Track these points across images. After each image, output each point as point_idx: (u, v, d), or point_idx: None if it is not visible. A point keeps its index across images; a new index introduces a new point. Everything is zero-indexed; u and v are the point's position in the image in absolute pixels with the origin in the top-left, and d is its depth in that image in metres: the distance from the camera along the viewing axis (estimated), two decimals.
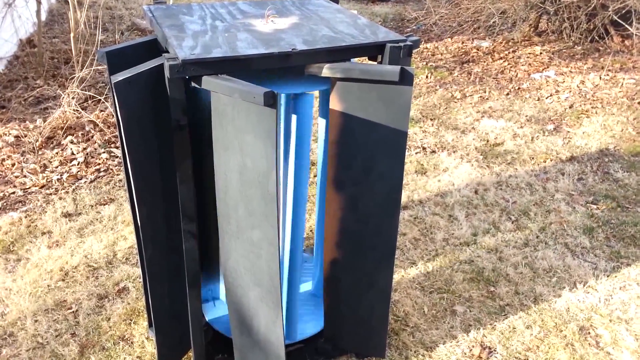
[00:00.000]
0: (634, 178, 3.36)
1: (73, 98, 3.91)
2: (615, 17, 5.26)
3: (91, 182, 3.31)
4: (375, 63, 1.63)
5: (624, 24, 5.22)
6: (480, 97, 4.60)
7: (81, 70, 4.16)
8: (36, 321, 2.28)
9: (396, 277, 2.53)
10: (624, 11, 5.25)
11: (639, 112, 4.21)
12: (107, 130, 3.80)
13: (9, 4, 4.98)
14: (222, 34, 1.61)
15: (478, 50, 5.72)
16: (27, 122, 3.94)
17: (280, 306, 1.64)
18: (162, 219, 1.70)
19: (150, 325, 2.18)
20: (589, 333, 2.23)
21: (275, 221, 1.51)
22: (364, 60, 1.79)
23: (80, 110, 3.87)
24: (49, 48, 5.33)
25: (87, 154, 3.57)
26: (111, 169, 3.44)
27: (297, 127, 1.71)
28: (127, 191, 2.40)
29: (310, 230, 2.81)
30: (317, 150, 1.96)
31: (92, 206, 3.07)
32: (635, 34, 5.17)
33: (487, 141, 3.84)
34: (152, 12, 1.85)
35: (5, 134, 3.75)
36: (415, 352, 2.13)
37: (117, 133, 3.75)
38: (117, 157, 3.56)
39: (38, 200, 3.11)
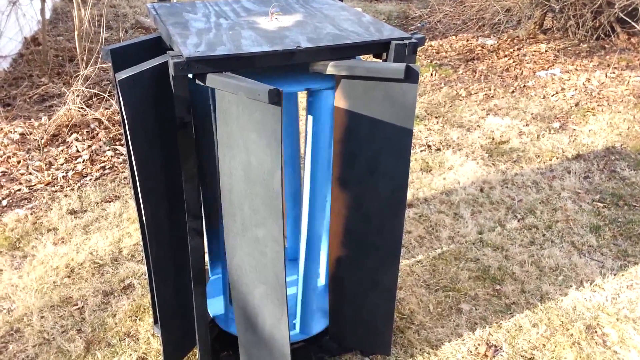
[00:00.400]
0: None
1: (78, 96, 3.92)
2: (621, 15, 5.22)
3: (96, 179, 3.31)
4: (380, 61, 1.62)
5: (630, 21, 5.19)
6: (486, 94, 4.58)
7: (86, 68, 4.17)
8: (42, 317, 2.29)
9: (401, 275, 2.52)
10: (630, 8, 5.21)
11: None
12: (112, 127, 3.81)
13: (13, 2, 5.00)
14: (227, 32, 1.61)
15: (483, 48, 5.69)
16: (32, 119, 3.96)
17: (285, 304, 1.64)
18: (167, 216, 1.70)
19: (155, 321, 2.18)
20: (596, 332, 2.22)
21: (280, 219, 1.51)
22: (369, 58, 1.78)
23: (85, 107, 3.88)
24: (54, 46, 5.34)
25: (92, 151, 3.57)
26: (116, 167, 3.45)
27: (313, 124, 1.71)
28: (132, 188, 2.41)
29: None
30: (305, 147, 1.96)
31: (97, 203, 3.08)
32: None
33: (493, 139, 3.83)
34: (156, 10, 1.85)
35: (11, 132, 3.76)
36: (420, 350, 2.12)
37: (122, 131, 3.75)
38: (122, 154, 3.57)
39: (43, 198, 3.12)
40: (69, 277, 2.52)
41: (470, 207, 3.05)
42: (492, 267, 2.58)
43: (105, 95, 4.16)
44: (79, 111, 3.85)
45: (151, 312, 2.28)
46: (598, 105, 4.32)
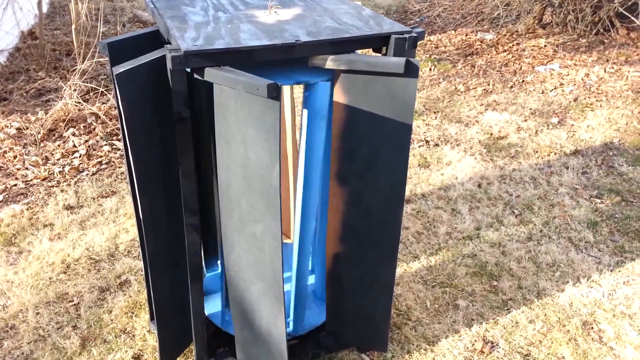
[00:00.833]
0: (638, 172, 3.33)
1: (75, 90, 3.90)
2: (620, 9, 5.21)
3: (93, 174, 3.30)
4: (380, 55, 1.60)
5: (629, 15, 5.17)
6: (484, 90, 4.57)
7: (83, 62, 4.14)
8: (38, 314, 2.28)
9: (399, 271, 2.52)
10: (629, 3, 5.20)
11: None
12: (109, 122, 3.79)
13: None
14: (225, 25, 1.59)
15: (482, 42, 5.67)
16: (29, 114, 3.93)
17: (283, 300, 1.63)
18: (164, 211, 1.69)
19: (152, 318, 2.18)
20: (592, 328, 2.22)
21: (279, 215, 1.50)
22: (368, 52, 1.76)
23: (82, 102, 3.85)
24: (51, 40, 5.31)
25: (89, 146, 3.55)
26: (113, 162, 3.43)
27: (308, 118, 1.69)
28: (129, 184, 2.39)
29: None
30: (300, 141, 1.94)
31: (94, 199, 3.06)
32: None
33: (491, 134, 3.82)
34: (154, 3, 1.83)
35: (7, 126, 3.74)
36: (417, 346, 2.12)
37: (119, 125, 3.73)
38: (119, 149, 3.55)
39: (40, 193, 3.11)
40: (64, 273, 2.51)
41: (468, 202, 3.04)
42: (489, 263, 2.57)
43: (103, 90, 4.13)
44: (76, 106, 3.82)
45: (147, 309, 2.27)
46: (597, 101, 4.31)
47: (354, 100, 1.59)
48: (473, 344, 2.14)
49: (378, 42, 1.58)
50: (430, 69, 5.05)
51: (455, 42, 5.74)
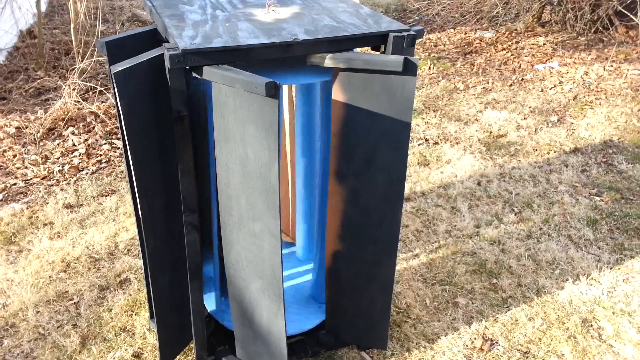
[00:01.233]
0: (638, 170, 3.34)
1: (74, 89, 3.89)
2: (619, 8, 5.21)
3: (92, 173, 3.30)
4: (378, 53, 1.61)
5: (628, 14, 5.17)
6: (484, 88, 4.57)
7: (82, 61, 4.14)
8: (38, 312, 2.28)
9: (398, 268, 2.52)
10: (628, 1, 5.20)
11: None
12: (108, 121, 3.79)
13: None
14: (223, 24, 1.59)
15: (481, 41, 5.67)
16: (28, 113, 3.93)
17: (282, 298, 1.63)
18: (164, 210, 1.69)
19: (151, 316, 2.18)
20: (592, 325, 2.22)
21: (278, 213, 1.50)
22: (367, 50, 1.76)
23: (81, 101, 3.85)
24: (49, 39, 5.30)
25: (88, 145, 3.55)
26: (112, 160, 3.43)
27: (300, 118, 1.69)
28: (128, 182, 2.39)
29: None
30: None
31: (93, 197, 3.06)
32: None
33: (490, 133, 3.82)
34: (152, 2, 1.83)
35: (7, 125, 3.74)
36: (416, 344, 2.13)
37: (118, 124, 3.73)
38: (119, 148, 3.55)
39: (39, 192, 3.11)
40: (64, 271, 2.51)
41: (468, 200, 3.04)
42: (488, 261, 2.58)
43: (102, 89, 4.13)
44: (75, 105, 3.82)
45: (147, 307, 2.27)
46: (596, 99, 4.31)
47: (352, 99, 1.59)
48: (472, 342, 2.14)
49: (376, 40, 1.58)
50: (429, 68, 5.05)
51: (454, 40, 5.74)
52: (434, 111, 4.17)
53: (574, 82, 4.63)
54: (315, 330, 2.07)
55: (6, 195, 3.08)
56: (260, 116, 1.40)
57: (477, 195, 3.09)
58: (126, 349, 2.09)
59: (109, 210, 2.94)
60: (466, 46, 5.56)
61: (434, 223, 2.86)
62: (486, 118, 4.04)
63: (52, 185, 3.18)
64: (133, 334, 2.17)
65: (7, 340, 2.15)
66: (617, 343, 2.14)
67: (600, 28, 5.52)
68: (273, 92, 1.32)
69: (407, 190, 3.13)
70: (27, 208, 2.96)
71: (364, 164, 1.68)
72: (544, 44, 5.49)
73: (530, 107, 4.20)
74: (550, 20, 6.04)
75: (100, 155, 3.47)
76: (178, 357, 2.04)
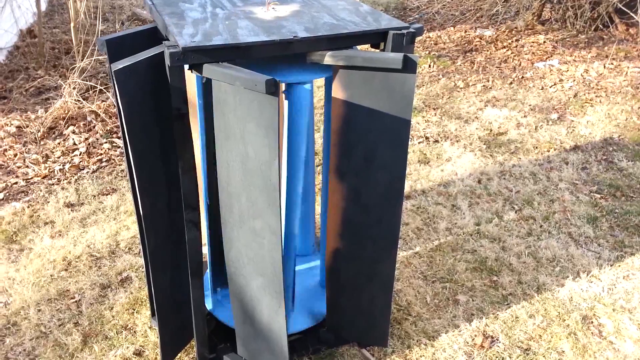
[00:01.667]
0: (638, 167, 3.34)
1: (74, 88, 3.90)
2: (619, 5, 5.20)
3: (93, 172, 3.30)
4: (378, 51, 1.61)
5: (628, 11, 5.17)
6: (484, 86, 4.57)
7: (82, 60, 4.15)
8: (39, 311, 2.28)
9: (399, 266, 2.52)
10: None
11: None
12: (108, 120, 3.79)
13: None
14: (223, 22, 1.60)
15: (481, 39, 5.67)
16: (29, 112, 3.93)
17: (283, 295, 1.64)
18: (165, 208, 1.69)
19: (153, 314, 2.18)
20: (592, 322, 2.23)
21: (278, 210, 1.50)
22: (367, 48, 1.77)
23: (81, 100, 3.86)
24: (50, 38, 5.31)
25: (89, 144, 3.56)
26: (113, 159, 3.43)
27: (290, 117, 1.70)
28: (129, 181, 2.40)
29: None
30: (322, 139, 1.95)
31: (94, 196, 3.07)
32: None
33: (491, 130, 3.82)
34: (152, 0, 1.83)
35: (7, 125, 3.74)
36: (417, 341, 2.13)
37: (118, 123, 3.74)
38: (119, 147, 3.56)
39: (40, 191, 3.11)
40: (66, 270, 2.52)
41: (468, 198, 3.05)
42: (489, 259, 2.58)
43: (102, 88, 4.14)
44: (76, 104, 3.83)
45: (148, 305, 2.28)
46: (596, 97, 4.31)
47: (352, 96, 1.59)
48: (473, 339, 2.15)
49: (376, 38, 1.58)
50: (429, 66, 5.05)
51: (454, 38, 5.74)
52: (434, 109, 4.17)
53: (574, 80, 4.63)
54: (316, 328, 2.07)
55: (7, 194, 3.09)
56: (260, 114, 1.40)
57: (478, 193, 3.09)
58: (128, 347, 2.10)
59: (110, 209, 2.95)
60: (466, 44, 5.56)
61: (434, 221, 2.86)
62: (486, 116, 4.04)
63: (53, 184, 3.18)
64: (134, 332, 2.18)
65: (9, 339, 2.16)
66: (618, 340, 2.14)
67: (601, 26, 5.51)
68: (273, 89, 1.33)
69: (407, 188, 3.14)
70: (28, 207, 2.97)
71: (363, 161, 1.68)
72: (544, 41, 5.49)
73: (530, 105, 4.20)
74: (550, 18, 6.04)
75: (101, 154, 3.48)
76: (179, 354, 2.05)
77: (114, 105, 3.95)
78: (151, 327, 2.19)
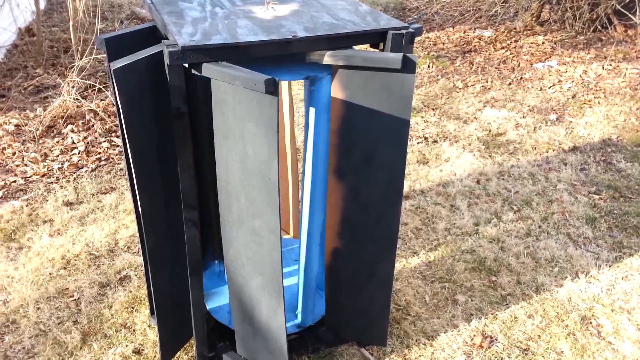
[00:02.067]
0: (636, 168, 3.34)
1: (73, 87, 3.90)
2: (618, 7, 5.21)
3: (92, 170, 3.30)
4: (377, 51, 1.61)
5: (627, 13, 5.18)
6: (483, 86, 4.58)
7: (81, 59, 4.14)
8: (38, 309, 2.28)
9: (398, 266, 2.52)
10: (627, 0, 5.20)
11: None
12: (107, 119, 3.79)
13: None
14: (222, 21, 1.60)
15: (480, 39, 5.68)
16: (28, 111, 3.93)
17: (282, 295, 1.64)
18: (163, 207, 1.69)
19: (152, 313, 2.18)
20: (591, 323, 2.23)
21: (277, 210, 1.50)
22: (366, 47, 1.77)
23: (80, 99, 3.85)
24: (48, 37, 5.30)
25: (87, 142, 3.56)
26: (112, 158, 3.43)
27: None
28: (128, 180, 2.39)
29: None
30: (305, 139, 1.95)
31: (93, 195, 3.06)
32: (639, 24, 5.13)
33: (489, 131, 3.82)
34: None
35: (6, 123, 3.74)
36: (416, 340, 2.13)
37: (117, 122, 3.73)
38: (118, 146, 3.55)
39: (39, 189, 3.11)
40: (64, 268, 2.52)
41: (467, 199, 3.05)
42: (488, 259, 2.58)
43: (101, 87, 4.13)
44: (75, 102, 3.82)
45: (147, 304, 2.28)
46: (595, 98, 4.32)
47: (351, 96, 1.60)
48: (472, 339, 2.15)
49: (375, 37, 1.58)
50: (428, 66, 5.06)
51: (453, 39, 5.74)
52: (433, 110, 4.17)
53: (572, 81, 4.64)
54: (315, 327, 2.07)
55: (6, 192, 3.09)
56: (259, 113, 1.40)
57: (476, 194, 3.10)
58: (127, 345, 2.10)
59: (109, 208, 2.95)
60: (465, 45, 5.56)
61: (433, 221, 2.86)
62: (485, 116, 4.04)
63: (52, 182, 3.18)
64: (133, 330, 2.18)
65: (8, 337, 2.15)
66: (616, 340, 2.15)
67: (599, 27, 5.52)
68: (272, 88, 1.33)
69: (406, 189, 3.14)
70: (27, 205, 2.97)
71: (363, 161, 1.69)
72: (543, 42, 5.50)
73: (529, 106, 4.20)
74: (549, 19, 6.05)
75: (100, 152, 3.47)
76: (178, 353, 2.05)
77: (113, 104, 3.94)
78: (150, 325, 2.19)
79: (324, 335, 2.06)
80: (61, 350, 2.09)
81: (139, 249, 2.63)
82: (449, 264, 2.55)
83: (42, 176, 3.24)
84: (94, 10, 5.33)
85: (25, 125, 3.70)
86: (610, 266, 2.54)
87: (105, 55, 1.67)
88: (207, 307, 2.11)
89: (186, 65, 1.47)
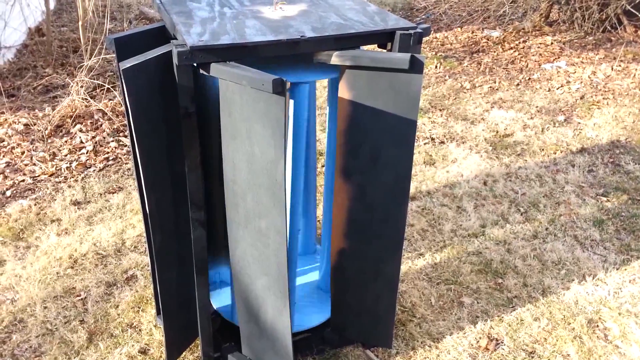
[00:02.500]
0: None
1: (82, 87, 3.92)
2: (628, 7, 5.17)
3: (100, 170, 3.32)
4: (385, 51, 1.61)
5: (637, 13, 5.14)
6: (490, 87, 4.56)
7: (90, 58, 4.17)
8: (45, 308, 2.30)
9: (404, 267, 2.52)
10: (637, 1, 5.16)
11: None
12: (115, 119, 3.81)
13: None
14: (231, 21, 1.60)
15: (488, 40, 5.65)
16: (37, 110, 3.96)
17: (287, 295, 1.64)
18: (171, 207, 1.70)
19: (158, 313, 2.19)
20: (598, 326, 2.22)
21: (284, 210, 1.51)
22: (374, 48, 1.77)
23: (89, 99, 3.88)
24: (58, 37, 5.34)
25: (96, 142, 3.58)
26: (120, 158, 3.45)
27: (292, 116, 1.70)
28: (135, 180, 2.40)
29: (318, 221, 2.80)
30: (325, 139, 1.95)
31: (101, 194, 3.08)
32: None
33: (497, 132, 3.81)
34: None
35: (15, 122, 3.77)
36: (421, 342, 2.13)
37: (125, 122, 3.75)
38: (126, 145, 3.57)
39: (47, 188, 3.13)
40: (72, 267, 2.53)
41: (474, 200, 3.04)
42: (494, 261, 2.57)
43: (110, 87, 4.15)
44: (83, 102, 3.85)
45: (154, 303, 2.29)
46: (603, 99, 4.29)
47: (358, 96, 1.59)
48: (478, 341, 2.14)
49: (383, 38, 1.58)
50: (436, 67, 5.04)
51: (461, 39, 5.72)
52: (440, 110, 4.16)
53: (581, 82, 4.61)
54: (320, 328, 2.07)
55: (14, 191, 3.11)
56: (266, 113, 1.41)
57: (483, 195, 3.08)
58: (133, 345, 2.11)
59: (116, 207, 2.96)
60: (473, 45, 5.54)
61: (440, 222, 2.86)
62: (493, 117, 4.02)
63: (60, 182, 3.20)
64: (140, 330, 2.18)
65: (15, 335, 2.17)
66: (623, 344, 2.13)
67: (609, 27, 5.49)
68: (280, 89, 1.33)
69: (412, 190, 3.13)
70: (35, 204, 2.99)
71: (369, 161, 1.68)
72: (552, 43, 5.47)
73: (537, 107, 4.18)
74: (558, 19, 6.02)
75: (108, 152, 3.49)
76: (184, 353, 2.05)
77: (121, 104, 3.96)
78: (156, 325, 2.20)
79: (329, 336, 2.06)
80: (68, 350, 2.10)
81: (145, 248, 2.64)
82: (455, 266, 2.54)
83: (51, 175, 3.26)
84: (103, 10, 5.36)
85: (34, 124, 3.72)
86: (617, 269, 2.52)
87: (114, 55, 1.67)
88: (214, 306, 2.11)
89: (195, 65, 1.48)
